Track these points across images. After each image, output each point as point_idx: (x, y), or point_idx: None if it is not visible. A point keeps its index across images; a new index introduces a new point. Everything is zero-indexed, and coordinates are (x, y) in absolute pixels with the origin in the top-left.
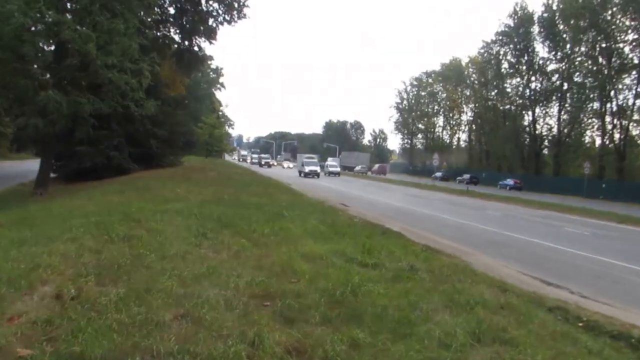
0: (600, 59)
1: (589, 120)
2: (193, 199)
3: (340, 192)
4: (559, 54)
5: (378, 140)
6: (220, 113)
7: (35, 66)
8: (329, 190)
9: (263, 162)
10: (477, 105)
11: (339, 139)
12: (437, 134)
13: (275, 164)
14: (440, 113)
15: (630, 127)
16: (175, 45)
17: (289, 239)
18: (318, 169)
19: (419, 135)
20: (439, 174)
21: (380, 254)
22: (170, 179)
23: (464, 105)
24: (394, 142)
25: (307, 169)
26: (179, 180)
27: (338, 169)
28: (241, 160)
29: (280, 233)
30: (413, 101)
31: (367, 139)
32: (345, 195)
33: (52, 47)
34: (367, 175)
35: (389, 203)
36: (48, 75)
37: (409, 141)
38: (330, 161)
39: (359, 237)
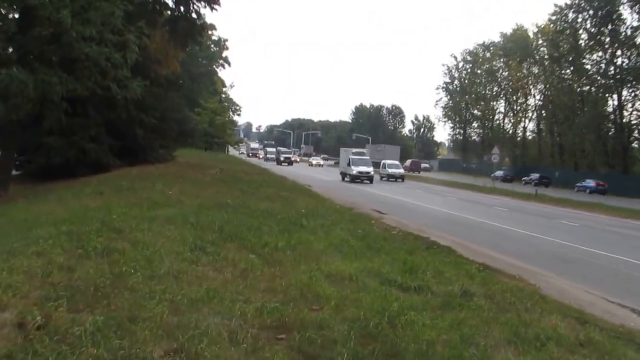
0: None
1: None
2: (188, 204)
3: (373, 195)
4: None
5: (422, 129)
6: (224, 96)
7: None
8: (357, 193)
9: (283, 158)
10: (547, 86)
11: (372, 128)
12: (497, 122)
13: (298, 160)
14: (501, 96)
15: None
16: (168, 12)
17: (310, 254)
18: (371, 170)
19: (474, 124)
20: (499, 173)
21: (425, 275)
22: (160, 178)
23: (531, 87)
24: (442, 133)
25: (355, 170)
26: (171, 179)
27: (401, 170)
28: (251, 154)
29: (298, 247)
30: (466, 81)
31: (407, 128)
32: (379, 200)
33: (16, 14)
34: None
35: (435, 210)
36: (10, 49)
37: (461, 131)
38: (388, 160)
39: (398, 252)
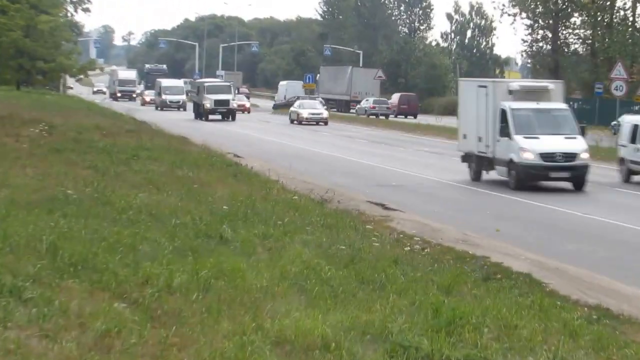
0: None
1: None
2: None
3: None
4: None
5: (471, 32)
6: None
7: None
8: (334, 167)
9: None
10: None
11: (364, 31)
12: (622, 13)
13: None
14: None
15: None
16: None
17: (240, 299)
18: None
19: (575, 19)
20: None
21: (478, 335)
22: None
23: None
24: (509, 41)
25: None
26: None
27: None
28: (120, 95)
29: (216, 285)
30: None
31: (439, 29)
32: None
33: None
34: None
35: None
36: None
37: (549, 35)
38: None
39: (423, 289)
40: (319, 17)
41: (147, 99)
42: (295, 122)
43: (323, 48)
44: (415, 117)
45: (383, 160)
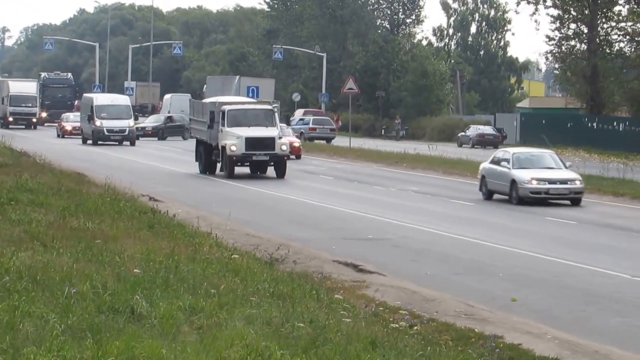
0: None
1: None
2: None
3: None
4: None
5: (476, 27)
6: None
7: None
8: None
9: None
10: None
11: (327, 26)
12: None
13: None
14: None
15: None
16: None
17: None
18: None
19: (620, 10)
20: None
21: None
22: None
23: None
24: (528, 40)
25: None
26: None
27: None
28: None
29: None
30: None
31: (431, 24)
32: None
33: None
34: None
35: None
36: None
37: (584, 30)
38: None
39: None
40: (265, 7)
41: (69, 127)
42: None
43: (272, 50)
44: (328, 142)
45: (355, 203)
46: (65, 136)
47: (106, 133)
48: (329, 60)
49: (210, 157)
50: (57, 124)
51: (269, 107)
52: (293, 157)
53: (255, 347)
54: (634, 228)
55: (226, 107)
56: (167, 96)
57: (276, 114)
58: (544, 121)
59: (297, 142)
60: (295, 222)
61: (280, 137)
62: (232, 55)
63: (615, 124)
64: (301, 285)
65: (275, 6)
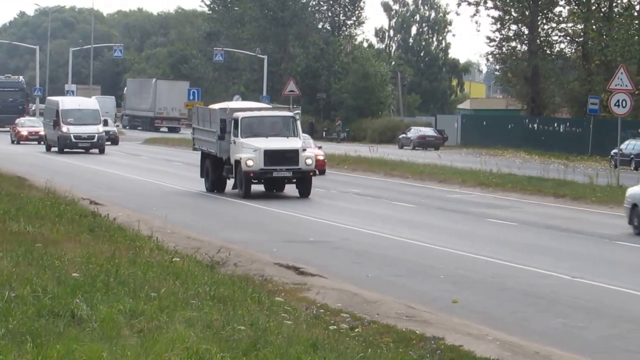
0: None
1: None
2: None
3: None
4: None
5: (418, 28)
6: None
7: None
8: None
9: None
10: None
11: (269, 28)
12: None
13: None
14: None
15: None
16: None
17: None
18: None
19: (560, 10)
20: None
21: None
22: None
23: None
24: (471, 42)
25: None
26: None
27: None
28: None
29: None
30: None
31: (374, 25)
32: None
33: None
34: None
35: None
36: None
37: (525, 31)
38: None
39: None
40: (206, 10)
41: (25, 132)
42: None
43: (213, 52)
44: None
45: (295, 206)
46: (21, 142)
47: (73, 140)
48: (270, 62)
49: (219, 173)
50: (10, 130)
51: (289, 113)
52: (317, 172)
53: (196, 350)
54: (574, 229)
55: (239, 115)
56: (92, 98)
57: (298, 122)
58: (484, 123)
59: (321, 155)
60: (236, 224)
61: (304, 149)
62: (173, 58)
63: (555, 125)
64: (242, 288)
65: (216, 8)
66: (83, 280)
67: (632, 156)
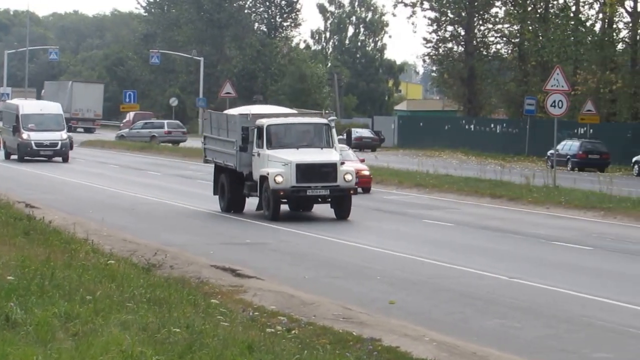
0: None
1: None
2: None
3: None
4: None
5: (353, 29)
6: None
7: None
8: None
9: None
10: None
11: (205, 30)
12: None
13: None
14: None
15: None
16: None
17: None
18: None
19: (497, 9)
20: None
21: None
22: None
23: None
24: (409, 42)
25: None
26: None
27: None
28: None
29: None
30: None
31: (310, 26)
32: None
33: None
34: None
35: None
36: None
37: (461, 32)
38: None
39: None
40: (142, 12)
41: None
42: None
43: (149, 54)
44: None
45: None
46: None
47: (35, 147)
48: (206, 64)
49: (238, 191)
50: None
51: (323, 120)
52: (360, 190)
53: (131, 353)
54: (510, 229)
55: (264, 122)
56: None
57: (333, 130)
58: (421, 124)
59: (366, 170)
60: (172, 226)
61: (342, 163)
62: (109, 60)
63: (492, 125)
64: (178, 291)
65: (152, 10)
66: (18, 284)
67: (568, 157)
